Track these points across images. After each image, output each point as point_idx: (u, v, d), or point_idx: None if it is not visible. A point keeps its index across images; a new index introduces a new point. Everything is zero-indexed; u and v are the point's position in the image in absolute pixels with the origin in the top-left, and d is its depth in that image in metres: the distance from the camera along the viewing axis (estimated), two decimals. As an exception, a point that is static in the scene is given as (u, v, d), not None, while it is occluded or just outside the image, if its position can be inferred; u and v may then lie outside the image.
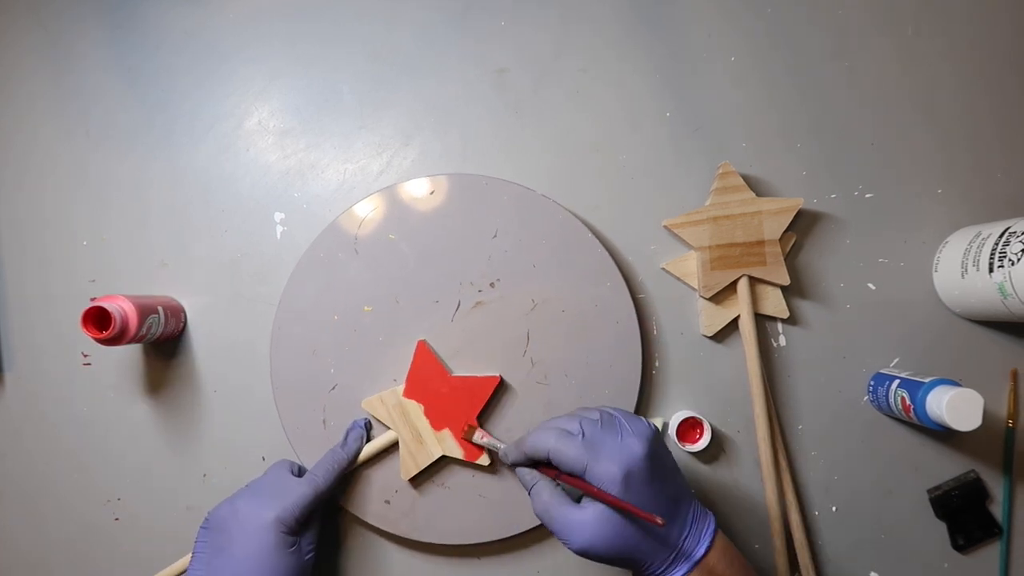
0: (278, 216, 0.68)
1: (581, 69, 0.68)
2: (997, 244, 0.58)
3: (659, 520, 0.46)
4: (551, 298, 0.64)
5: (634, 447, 0.49)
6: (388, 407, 0.63)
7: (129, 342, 0.60)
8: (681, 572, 0.49)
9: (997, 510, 0.65)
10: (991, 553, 0.65)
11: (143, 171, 0.69)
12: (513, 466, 0.57)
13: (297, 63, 0.69)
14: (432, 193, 0.65)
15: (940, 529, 0.65)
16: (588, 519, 0.49)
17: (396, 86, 0.68)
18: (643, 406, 0.66)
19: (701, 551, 0.50)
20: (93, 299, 0.59)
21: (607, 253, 0.64)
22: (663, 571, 0.50)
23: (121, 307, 0.59)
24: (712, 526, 0.51)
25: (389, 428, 0.63)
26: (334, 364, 0.64)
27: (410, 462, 0.63)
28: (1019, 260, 0.55)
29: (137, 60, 0.69)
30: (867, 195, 0.67)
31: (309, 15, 0.69)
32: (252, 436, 0.67)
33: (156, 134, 0.69)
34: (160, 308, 0.63)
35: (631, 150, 0.67)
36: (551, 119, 0.68)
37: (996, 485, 0.65)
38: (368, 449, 0.63)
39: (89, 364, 0.68)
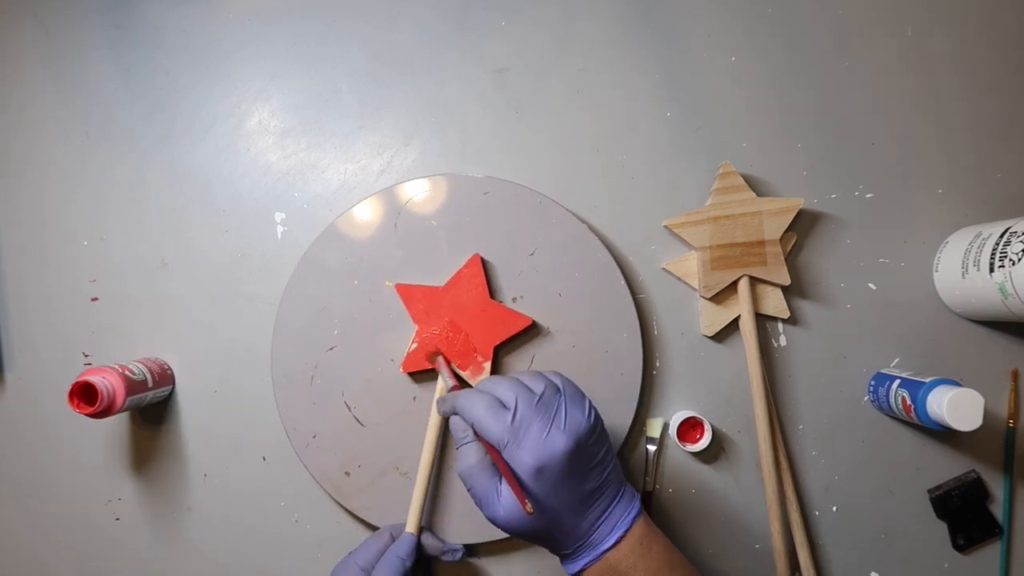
0: (278, 216, 0.68)
1: (581, 69, 0.68)
2: (998, 244, 0.58)
3: (528, 508, 0.46)
4: (565, 331, 0.64)
5: (557, 444, 0.48)
6: (422, 359, 0.63)
7: (119, 412, 0.60)
8: (583, 562, 0.50)
9: (997, 510, 0.65)
10: (991, 553, 0.65)
11: (143, 171, 0.69)
12: (446, 416, 0.55)
13: (297, 62, 0.69)
14: (487, 194, 0.65)
15: (940, 529, 0.65)
16: (507, 498, 0.49)
17: (396, 85, 0.68)
18: (643, 406, 0.66)
19: (610, 542, 0.50)
20: (82, 372, 0.59)
21: (633, 303, 0.64)
22: (570, 559, 0.51)
23: (107, 380, 0.59)
24: (631, 515, 0.51)
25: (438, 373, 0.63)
26: (339, 326, 0.64)
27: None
28: (1020, 260, 0.55)
29: (136, 59, 0.69)
30: (867, 195, 0.66)
31: (309, 14, 0.69)
32: (252, 436, 0.67)
33: (156, 134, 0.69)
34: (147, 372, 0.63)
35: (631, 150, 0.67)
36: (551, 119, 0.68)
37: (996, 485, 0.65)
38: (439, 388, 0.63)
39: (90, 364, 0.68)
